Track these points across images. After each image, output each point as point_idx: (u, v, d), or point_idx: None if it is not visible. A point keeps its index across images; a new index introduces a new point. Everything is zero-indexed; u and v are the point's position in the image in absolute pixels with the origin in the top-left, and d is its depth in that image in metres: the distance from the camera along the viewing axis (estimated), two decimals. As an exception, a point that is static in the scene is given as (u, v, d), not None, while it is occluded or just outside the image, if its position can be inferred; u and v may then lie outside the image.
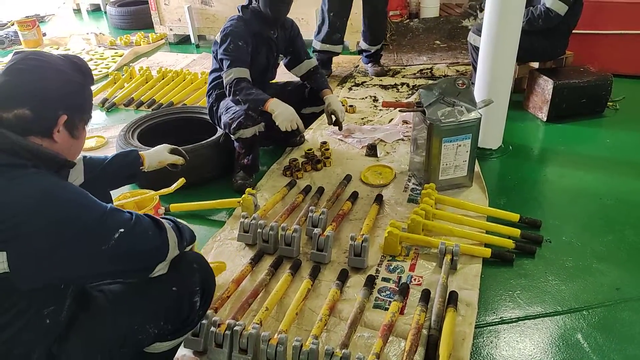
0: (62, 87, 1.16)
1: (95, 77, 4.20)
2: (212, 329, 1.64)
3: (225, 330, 1.62)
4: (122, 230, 1.11)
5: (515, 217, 2.25)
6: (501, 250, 2.07)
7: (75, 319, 1.19)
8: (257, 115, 2.46)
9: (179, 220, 1.38)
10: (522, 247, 2.08)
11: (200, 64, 4.64)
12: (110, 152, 2.87)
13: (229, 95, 2.49)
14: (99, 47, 5.21)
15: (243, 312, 1.77)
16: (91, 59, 4.84)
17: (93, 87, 3.97)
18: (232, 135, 2.50)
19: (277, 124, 2.42)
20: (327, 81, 2.89)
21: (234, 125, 2.44)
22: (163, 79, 4.12)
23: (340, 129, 2.75)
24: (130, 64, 4.66)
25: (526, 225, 2.23)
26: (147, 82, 4.08)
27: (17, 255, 1.02)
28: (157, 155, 1.81)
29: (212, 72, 2.72)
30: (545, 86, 3.18)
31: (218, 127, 2.72)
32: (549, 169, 2.78)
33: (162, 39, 5.35)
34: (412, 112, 2.53)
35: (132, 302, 1.24)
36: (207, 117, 2.97)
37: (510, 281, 1.95)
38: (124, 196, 2.11)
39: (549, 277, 1.97)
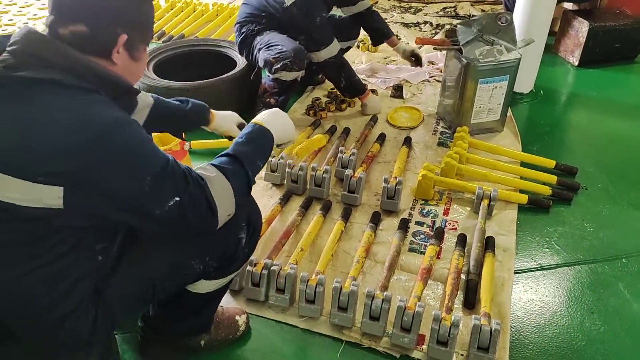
0: (122, 2, 1.04)
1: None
2: (249, 268, 1.60)
3: (262, 270, 1.58)
4: (177, 198, 1.02)
5: (551, 163, 2.18)
6: (537, 196, 2.01)
7: (124, 253, 1.13)
8: (304, 60, 2.33)
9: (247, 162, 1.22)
10: (559, 194, 2.03)
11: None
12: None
13: (335, 71, 2.47)
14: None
15: (277, 252, 1.72)
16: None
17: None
18: (270, 74, 2.36)
19: (365, 111, 2.58)
20: (387, 24, 2.76)
21: (279, 65, 2.28)
22: (172, 9, 3.90)
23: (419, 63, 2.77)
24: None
25: (561, 172, 2.16)
26: (172, 10, 3.85)
27: (72, 193, 0.93)
28: (227, 123, 1.65)
29: (248, 11, 2.49)
30: (580, 28, 3.03)
31: (245, 59, 2.57)
32: (581, 115, 2.69)
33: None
34: (439, 52, 2.41)
35: (177, 238, 1.16)
36: (223, 50, 2.82)
37: (547, 228, 1.91)
38: (147, 131, 2.01)
39: (586, 224, 1.92)
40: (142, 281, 1.16)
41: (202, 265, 1.21)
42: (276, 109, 1.40)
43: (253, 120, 1.33)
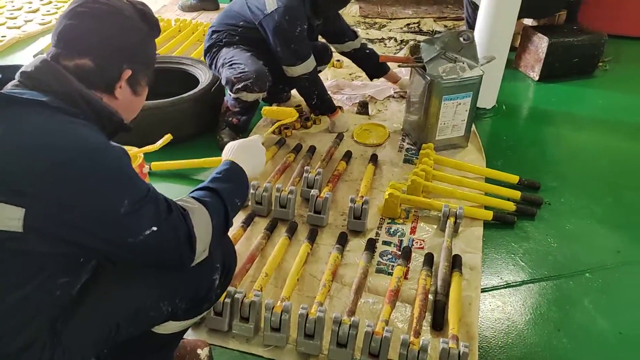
0: (128, 36, 1.05)
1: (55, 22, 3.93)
2: (210, 296, 1.53)
3: (224, 298, 1.52)
4: (154, 228, 0.97)
5: (514, 178, 2.20)
6: (502, 212, 2.02)
7: (86, 292, 1.05)
8: (266, 82, 2.30)
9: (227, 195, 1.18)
10: (523, 210, 2.04)
11: (172, 10, 4.32)
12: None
13: (308, 88, 2.47)
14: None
15: (240, 278, 1.67)
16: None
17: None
18: (231, 93, 2.32)
19: (332, 129, 2.58)
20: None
21: (239, 85, 2.25)
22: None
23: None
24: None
25: (525, 187, 2.19)
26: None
27: (35, 215, 0.88)
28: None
29: (226, 18, 2.47)
30: (540, 44, 3.10)
31: (208, 66, 2.55)
32: (543, 129, 2.74)
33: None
34: (404, 68, 2.42)
35: (147, 277, 1.09)
36: (186, 67, 2.77)
37: (512, 244, 1.92)
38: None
39: (550, 239, 1.94)
40: (105, 324, 1.08)
41: (170, 307, 1.15)
42: (245, 141, 1.36)
43: (225, 156, 1.30)
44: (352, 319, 1.45)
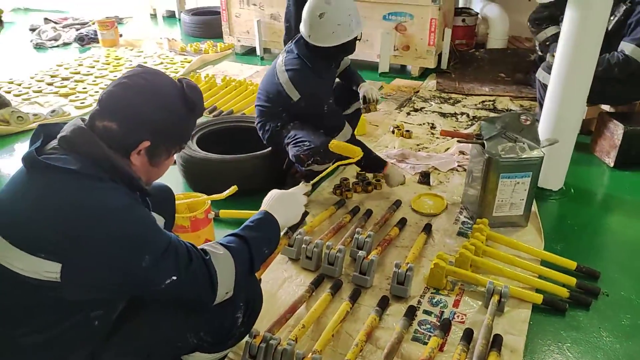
0: (158, 114, 1.15)
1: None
2: (248, 339, 1.63)
3: (260, 343, 1.62)
4: (174, 277, 1.10)
5: (572, 264, 2.13)
6: (554, 297, 1.96)
7: (121, 322, 1.21)
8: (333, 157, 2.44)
9: (256, 241, 1.30)
10: (577, 298, 1.97)
11: (263, 75, 4.74)
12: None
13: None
14: (170, 52, 5.44)
15: (280, 326, 1.76)
16: (162, 63, 5.06)
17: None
18: (302, 168, 2.49)
19: (389, 182, 2.69)
20: (358, 75, 2.94)
21: (309, 161, 2.42)
22: (226, 87, 4.25)
23: (368, 111, 2.83)
24: (197, 71, 4.84)
25: (583, 275, 2.11)
26: (210, 89, 4.21)
27: (70, 270, 1.03)
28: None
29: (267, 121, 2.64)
30: (615, 130, 3.03)
31: (274, 154, 2.71)
32: (612, 217, 2.63)
33: (229, 48, 5.52)
34: (470, 144, 2.48)
35: (175, 311, 1.24)
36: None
37: (560, 332, 1.84)
38: (177, 197, 2.16)
39: (603, 333, 1.84)
40: (136, 351, 1.22)
41: (196, 339, 1.28)
42: (285, 193, 1.49)
43: (263, 205, 1.43)
44: (377, 381, 1.48)
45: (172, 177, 2.83)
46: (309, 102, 2.50)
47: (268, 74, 2.67)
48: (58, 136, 1.13)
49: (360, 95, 2.81)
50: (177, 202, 2.13)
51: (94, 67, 4.83)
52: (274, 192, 1.49)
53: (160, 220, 1.49)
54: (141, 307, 1.25)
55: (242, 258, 1.24)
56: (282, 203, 1.44)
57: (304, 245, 2.14)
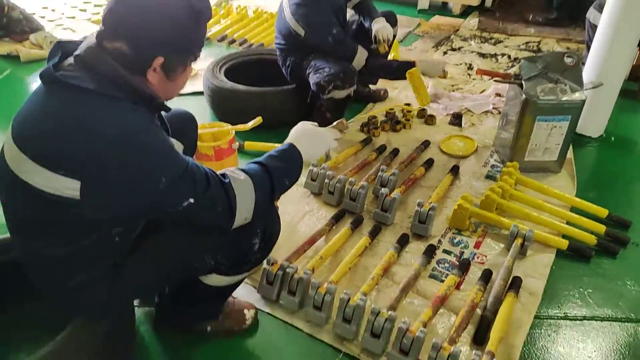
0: (165, 27, 1.09)
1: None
2: (265, 266, 1.67)
3: (277, 270, 1.65)
4: (191, 200, 1.09)
5: (603, 212, 2.05)
6: (580, 244, 1.91)
7: (144, 238, 1.24)
8: (354, 77, 2.40)
9: (280, 169, 1.29)
10: (605, 246, 1.91)
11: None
12: (198, 83, 2.96)
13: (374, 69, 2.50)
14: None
15: (298, 256, 1.78)
16: (193, -8, 4.93)
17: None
18: (323, 95, 2.43)
19: (429, 74, 2.50)
20: (375, 9, 2.73)
21: (330, 87, 2.36)
22: (258, 19, 4.13)
23: (377, 52, 2.64)
24: (229, 1, 4.71)
25: (614, 224, 2.03)
26: (242, 21, 4.10)
27: (89, 188, 1.03)
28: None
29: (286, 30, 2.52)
30: (668, 76, 2.82)
31: (297, 88, 2.64)
32: (652, 168, 2.50)
33: (263, -20, 5.32)
34: (507, 85, 2.36)
35: (194, 232, 1.25)
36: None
37: (583, 278, 1.81)
38: (202, 126, 2.15)
39: (628, 281, 1.79)
40: (156, 267, 1.26)
41: (213, 261, 1.30)
42: (312, 128, 1.45)
43: (291, 138, 1.40)
44: (390, 313, 1.50)
45: (199, 106, 2.84)
46: (313, 35, 2.41)
47: (279, 10, 2.57)
48: (74, 54, 1.11)
49: (372, 35, 2.63)
50: (201, 130, 2.13)
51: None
52: (302, 125, 1.45)
53: (179, 146, 1.49)
54: (161, 227, 1.27)
55: (262, 185, 1.23)
56: (308, 137, 1.41)
57: (326, 180, 2.13)
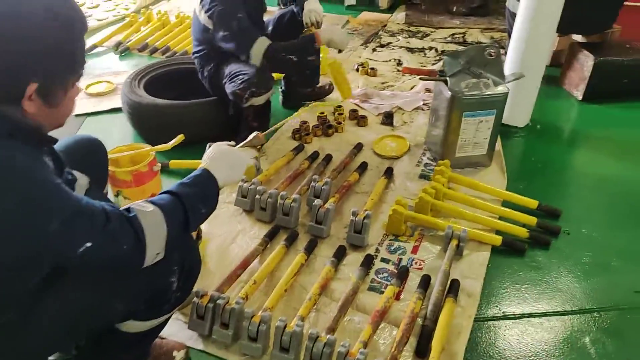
0: (30, 50, 0.93)
1: (113, 19, 4.13)
2: (195, 299, 1.56)
3: (207, 302, 1.54)
4: (88, 244, 0.97)
5: (533, 203, 2.08)
6: (513, 238, 1.92)
7: (46, 288, 1.09)
8: (269, 80, 2.31)
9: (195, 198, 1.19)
10: (537, 237, 1.93)
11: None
12: (117, 99, 2.77)
13: (280, 62, 2.34)
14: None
15: (230, 283, 1.68)
16: None
17: (107, 30, 3.91)
18: (242, 104, 2.32)
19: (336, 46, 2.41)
20: None
21: (246, 94, 2.26)
22: (181, 24, 3.95)
23: (314, 27, 2.56)
24: (150, 7, 4.49)
25: (544, 214, 2.06)
26: (164, 27, 3.91)
27: None
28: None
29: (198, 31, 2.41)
30: (585, 62, 2.92)
31: (212, 93, 2.52)
32: (578, 153, 2.58)
33: (184, -17, 5.11)
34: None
35: (98, 277, 1.13)
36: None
37: (519, 273, 1.82)
38: (118, 149, 2.00)
39: (562, 272, 1.82)
40: (61, 319, 1.12)
41: (128, 306, 1.18)
42: (226, 149, 1.36)
43: (204, 162, 1.31)
44: (328, 337, 1.43)
45: (121, 126, 2.66)
46: (220, 21, 2.26)
47: (193, 16, 2.45)
48: None
49: (304, 20, 2.56)
50: (117, 154, 1.99)
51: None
52: (216, 147, 1.35)
53: (83, 179, 1.36)
54: (63, 276, 1.13)
55: (174, 215, 1.13)
56: (224, 160, 1.31)
57: (257, 196, 2.03)
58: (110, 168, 1.90)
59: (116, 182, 1.95)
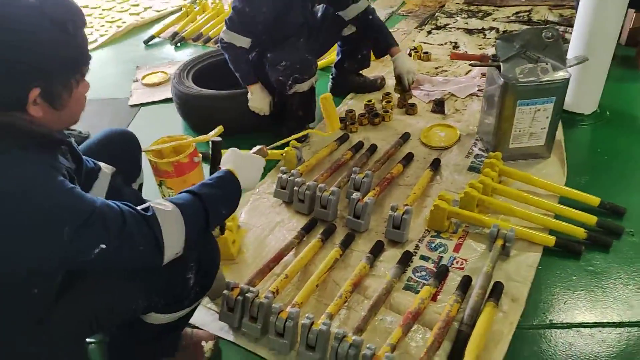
0: (26, 54, 0.92)
1: (171, 9, 4.23)
2: (225, 291, 1.57)
3: (237, 295, 1.54)
4: (102, 246, 0.97)
5: (595, 200, 1.89)
6: (568, 239, 1.76)
7: (66, 287, 1.12)
8: (312, 65, 2.26)
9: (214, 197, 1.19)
10: (595, 238, 1.76)
11: None
12: (169, 89, 2.83)
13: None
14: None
15: (263, 276, 1.68)
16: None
17: (165, 21, 4.01)
18: (286, 92, 2.29)
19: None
20: (387, 31, 2.57)
21: (290, 81, 2.23)
22: (234, 13, 3.97)
23: (404, 91, 2.52)
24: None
25: (607, 212, 1.88)
26: (218, 17, 3.95)
27: None
28: None
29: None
30: (666, 40, 2.61)
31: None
32: (650, 144, 2.33)
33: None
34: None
35: (119, 273, 1.15)
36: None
37: (572, 278, 1.67)
38: (162, 140, 2.04)
39: (622, 278, 1.65)
40: (84, 317, 1.15)
41: (146, 302, 1.19)
42: (242, 153, 1.36)
43: (226, 165, 1.30)
44: (354, 338, 1.38)
45: (172, 117, 2.72)
46: (247, 8, 2.19)
47: None
48: None
49: (395, 73, 2.50)
50: (161, 145, 2.03)
51: None
52: (234, 152, 1.36)
53: (108, 169, 1.38)
54: (83, 274, 1.17)
55: (194, 215, 1.13)
56: (244, 163, 1.32)
57: (296, 188, 2.01)
58: (153, 159, 1.96)
59: (159, 173, 1.99)
